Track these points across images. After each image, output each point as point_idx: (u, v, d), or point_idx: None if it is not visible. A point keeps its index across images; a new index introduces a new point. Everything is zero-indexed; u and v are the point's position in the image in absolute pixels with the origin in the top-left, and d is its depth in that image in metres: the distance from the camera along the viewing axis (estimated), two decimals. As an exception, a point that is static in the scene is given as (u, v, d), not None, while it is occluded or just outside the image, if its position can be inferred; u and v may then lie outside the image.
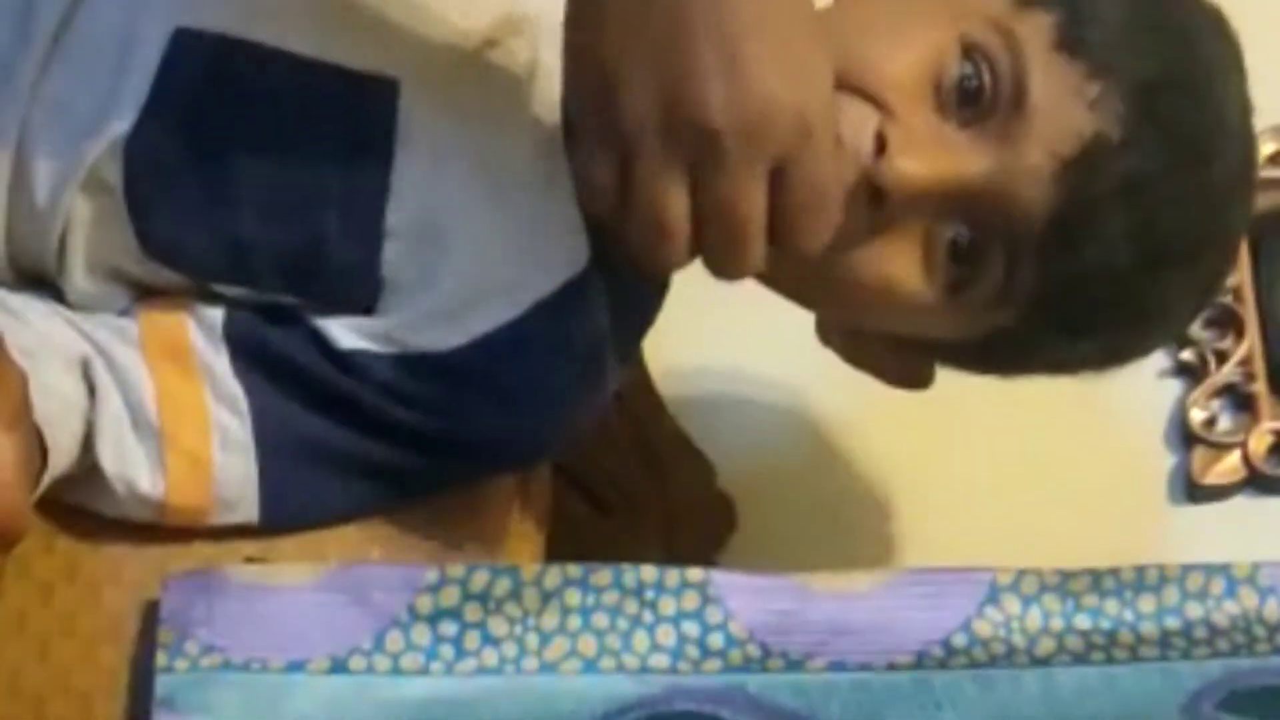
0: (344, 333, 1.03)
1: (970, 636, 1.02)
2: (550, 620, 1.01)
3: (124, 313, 1.04)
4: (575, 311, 1.05)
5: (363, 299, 1.03)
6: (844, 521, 1.45)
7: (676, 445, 1.42)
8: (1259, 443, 1.48)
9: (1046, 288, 1.01)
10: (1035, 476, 1.46)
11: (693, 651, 1.01)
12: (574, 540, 1.19)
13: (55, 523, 1.01)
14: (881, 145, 0.98)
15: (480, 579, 1.01)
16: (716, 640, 1.01)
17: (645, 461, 1.39)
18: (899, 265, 1.02)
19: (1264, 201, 1.40)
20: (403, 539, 1.07)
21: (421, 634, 1.00)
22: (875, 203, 0.99)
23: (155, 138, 1.00)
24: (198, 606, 0.99)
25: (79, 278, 1.03)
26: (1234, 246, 1.10)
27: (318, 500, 1.05)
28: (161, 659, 0.98)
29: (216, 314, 1.03)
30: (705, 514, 1.44)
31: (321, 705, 0.99)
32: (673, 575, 1.02)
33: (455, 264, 1.03)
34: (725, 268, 0.95)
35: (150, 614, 1.00)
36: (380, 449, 1.04)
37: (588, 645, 1.01)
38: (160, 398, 1.02)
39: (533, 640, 1.01)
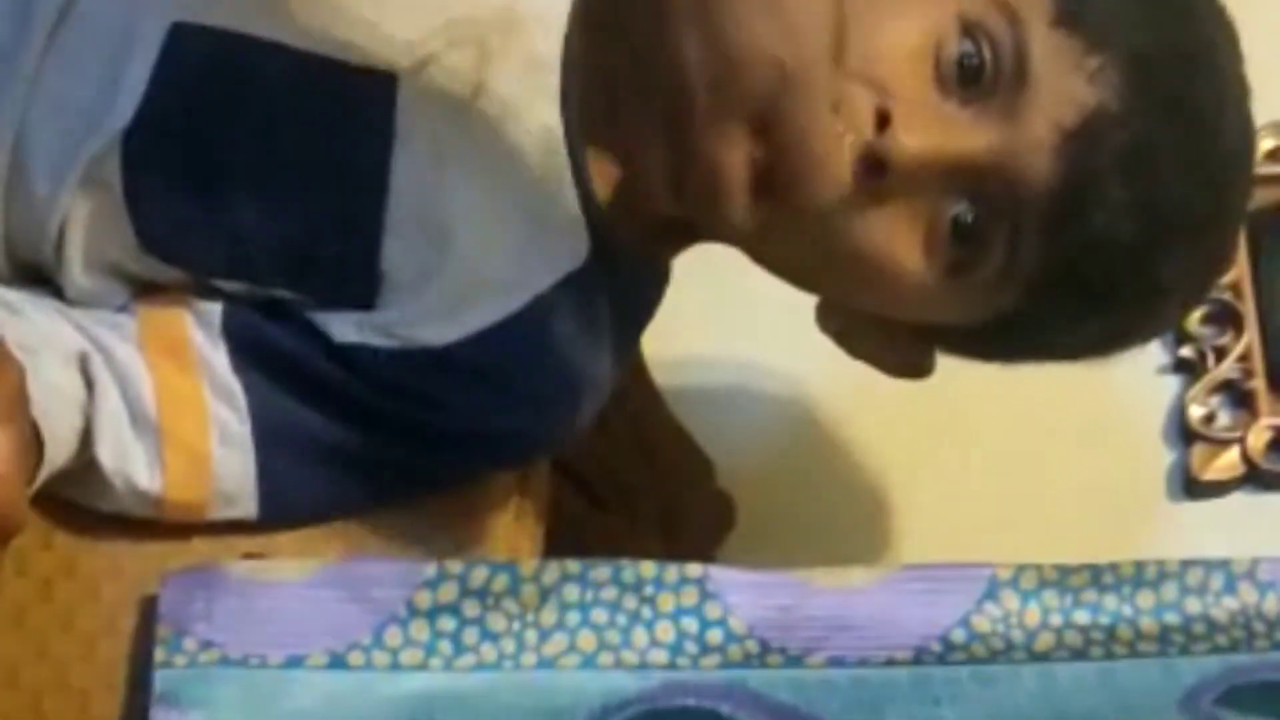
0: (342, 327, 1.03)
1: (969, 632, 1.02)
2: (549, 616, 1.01)
3: (122, 309, 1.04)
4: (575, 306, 1.06)
5: (361, 294, 1.03)
6: (843, 518, 1.45)
7: (675, 441, 1.42)
8: (1258, 439, 1.48)
9: (1050, 265, 1.01)
10: (1034, 472, 1.46)
11: (691, 647, 1.01)
12: (572, 536, 1.19)
13: (53, 519, 1.01)
14: (884, 121, 0.98)
15: (479, 575, 1.01)
16: (715, 636, 1.01)
17: (644, 457, 1.39)
18: (900, 244, 1.01)
19: (1262, 197, 1.40)
20: (401, 534, 1.07)
21: (420, 629, 1.00)
22: (877, 177, 0.98)
23: (153, 133, 1.00)
24: (196, 602, 0.99)
25: (77, 273, 1.03)
26: (1236, 227, 1.09)
27: (316, 495, 1.05)
28: (160, 654, 0.98)
29: (214, 309, 1.03)
30: (704, 510, 1.44)
31: (320, 700, 0.99)
32: (671, 571, 1.02)
33: (454, 259, 1.03)
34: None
35: (149, 610, 1.00)
36: (379, 444, 1.04)
37: (586, 641, 1.01)
38: (159, 393, 1.02)
39: (531, 636, 1.01)
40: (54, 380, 0.98)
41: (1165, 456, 1.49)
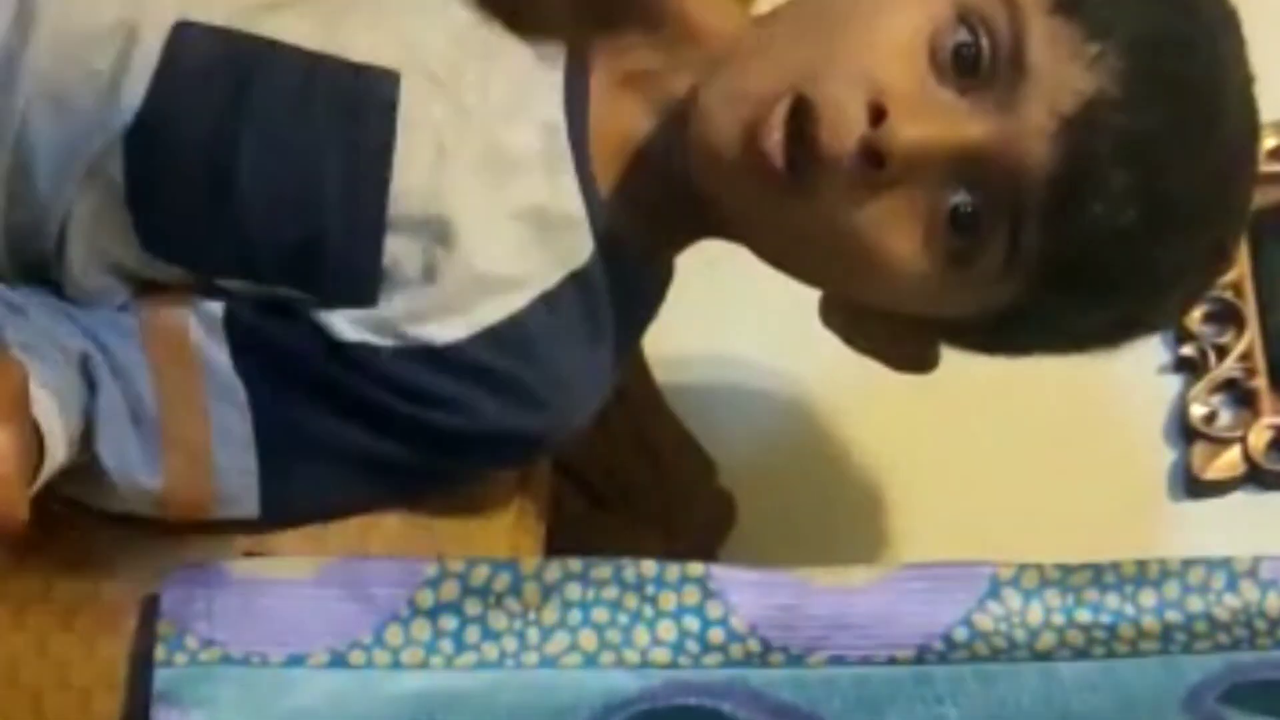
0: (345, 325, 1.03)
1: (971, 631, 1.02)
2: (550, 614, 1.01)
3: (123, 307, 1.04)
4: (578, 304, 1.06)
5: (364, 291, 1.03)
6: (845, 517, 1.45)
7: (677, 440, 1.42)
8: (1259, 438, 1.47)
9: (1053, 253, 1.00)
10: (1036, 471, 1.46)
11: (693, 646, 1.02)
12: (574, 535, 1.19)
13: (55, 517, 1.01)
14: (879, 115, 0.98)
15: (480, 573, 1.01)
16: (717, 635, 1.02)
17: (645, 457, 1.39)
18: (900, 234, 1.01)
19: (1264, 197, 1.40)
20: (402, 533, 1.07)
21: (421, 628, 1.00)
22: (876, 169, 0.98)
23: (156, 130, 1.00)
24: (197, 600, 0.99)
25: (78, 271, 1.03)
26: (1240, 215, 1.08)
27: (318, 494, 1.05)
28: (161, 653, 0.99)
29: (216, 308, 1.03)
30: (706, 509, 1.44)
31: (321, 699, 0.99)
32: (673, 570, 1.03)
33: (458, 256, 1.03)
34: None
35: (149, 608, 1.00)
36: (381, 442, 1.04)
37: (588, 639, 1.01)
38: (160, 392, 1.02)
39: (533, 634, 1.01)
40: (55, 379, 0.98)
41: (1166, 455, 1.49)
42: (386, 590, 1.00)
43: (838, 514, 1.45)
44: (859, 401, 1.44)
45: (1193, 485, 1.48)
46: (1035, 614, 1.03)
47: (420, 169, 1.02)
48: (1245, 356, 1.50)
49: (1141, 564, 1.05)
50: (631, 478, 1.39)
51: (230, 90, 1.01)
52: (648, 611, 1.02)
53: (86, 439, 1.00)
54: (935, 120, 0.99)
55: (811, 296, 1.11)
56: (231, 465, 1.03)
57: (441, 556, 1.01)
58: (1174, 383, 1.51)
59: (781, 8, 1.07)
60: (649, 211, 1.08)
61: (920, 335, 1.10)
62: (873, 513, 1.45)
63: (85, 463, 1.00)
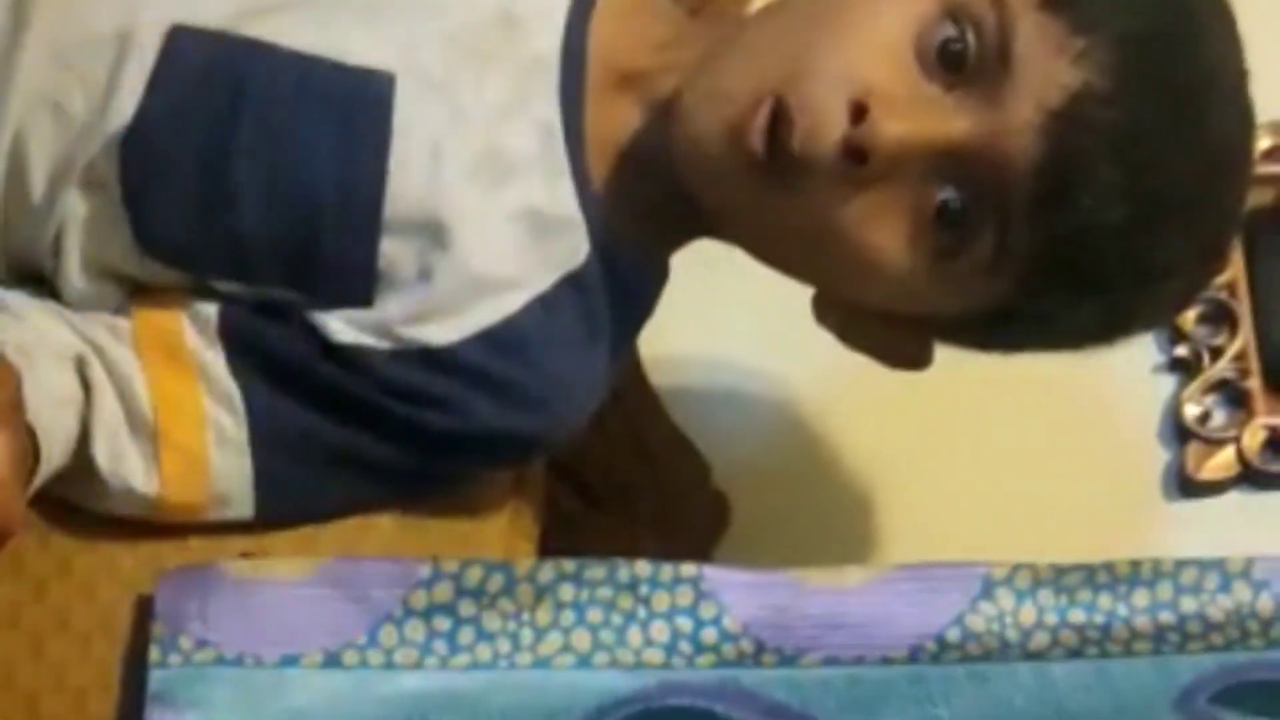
0: (341, 327, 1.03)
1: (964, 631, 1.03)
2: (544, 615, 1.01)
3: (119, 310, 1.04)
4: (573, 306, 1.06)
5: (359, 293, 1.03)
6: (838, 517, 1.45)
7: (671, 441, 1.42)
8: (1253, 438, 1.48)
9: (1041, 248, 1.00)
10: (1030, 471, 1.46)
11: (686, 646, 1.02)
12: (568, 535, 1.19)
13: (49, 519, 1.01)
14: (860, 112, 0.98)
15: (474, 574, 1.01)
16: (710, 635, 1.02)
17: (640, 457, 1.39)
18: (886, 230, 1.01)
19: (1258, 197, 1.40)
20: (396, 536, 1.07)
21: (415, 629, 1.00)
22: (860, 165, 0.98)
23: (152, 134, 1.00)
24: (192, 601, 0.99)
25: (74, 275, 1.03)
26: (1233, 211, 1.07)
27: (313, 496, 1.06)
28: (155, 654, 0.99)
29: (211, 310, 1.03)
30: (700, 510, 1.44)
31: (315, 700, 0.99)
32: (667, 570, 1.03)
33: (453, 258, 1.03)
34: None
35: (144, 609, 1.00)
36: (376, 444, 1.04)
37: (582, 640, 1.01)
38: (155, 395, 1.02)
39: (527, 635, 1.01)
40: (51, 383, 0.99)
41: (1160, 455, 1.49)
42: (381, 591, 1.00)
43: (831, 514, 1.45)
44: (853, 403, 1.44)
45: (1187, 485, 1.48)
46: (1028, 614, 1.03)
47: (416, 171, 1.02)
48: (1239, 357, 1.50)
49: (1135, 564, 1.05)
50: (626, 478, 1.39)
51: (225, 94, 1.01)
52: (641, 612, 1.02)
53: (82, 442, 1.00)
54: (918, 116, 0.99)
55: (805, 297, 1.11)
56: (227, 468, 1.03)
57: (435, 557, 1.02)
58: (1168, 383, 1.51)
59: (770, 5, 1.07)
60: (644, 212, 1.08)
61: (913, 332, 1.10)
62: (866, 513, 1.45)
63: (80, 466, 1.01)
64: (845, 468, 1.46)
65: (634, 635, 1.01)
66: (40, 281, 1.05)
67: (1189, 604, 1.04)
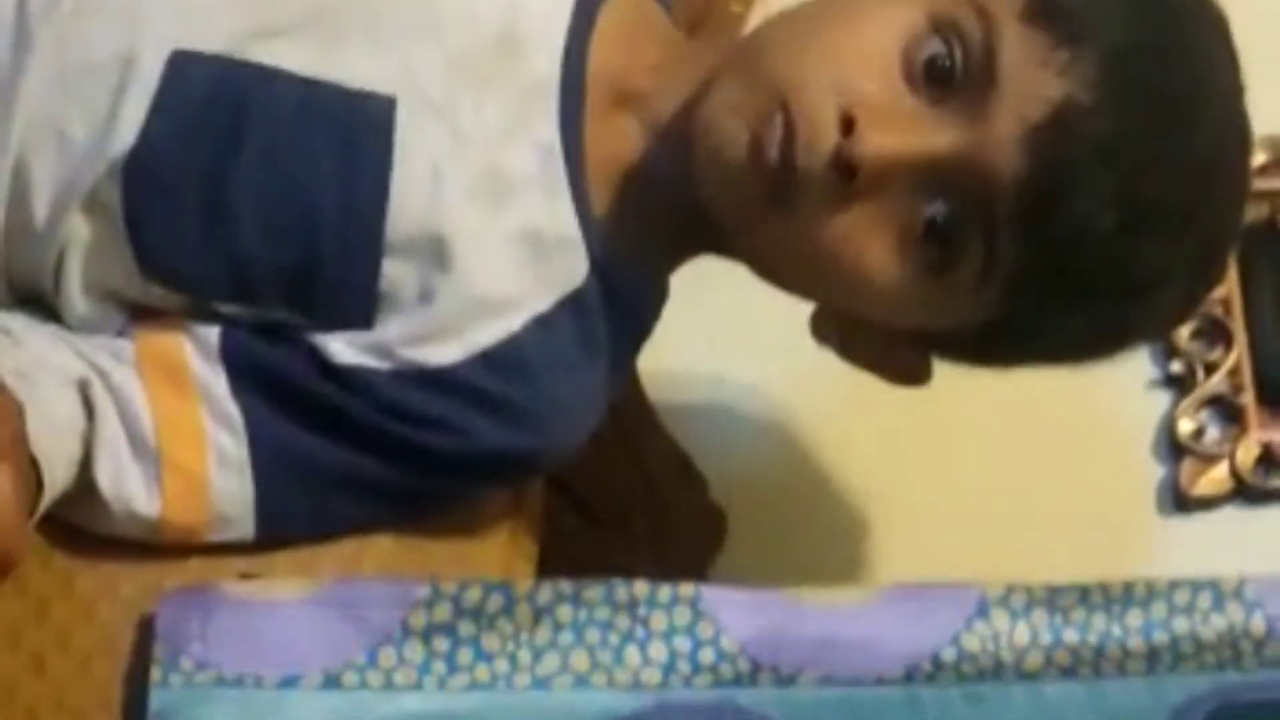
0: (342, 348, 1.03)
1: (959, 651, 1.03)
2: (542, 636, 1.01)
3: (120, 333, 1.04)
4: (572, 326, 1.06)
5: (361, 314, 1.04)
6: (834, 532, 1.45)
7: (669, 458, 1.42)
8: (1247, 454, 1.48)
9: (1029, 260, 1.00)
10: (1025, 487, 1.46)
11: (684, 666, 1.02)
12: (566, 551, 1.19)
13: (51, 539, 1.02)
14: (849, 125, 0.99)
15: (473, 595, 1.01)
16: (708, 655, 1.02)
17: (638, 473, 1.40)
18: (875, 244, 1.01)
19: (1252, 213, 1.41)
20: (395, 555, 1.07)
21: (414, 649, 1.01)
22: (848, 179, 0.99)
23: (154, 159, 1.01)
24: (192, 622, 0.99)
25: (75, 298, 1.03)
26: (1224, 223, 1.07)
27: (313, 516, 1.06)
28: (156, 674, 0.99)
29: (212, 333, 1.04)
30: (697, 526, 1.44)
31: (315, 720, 0.99)
32: (664, 590, 1.03)
33: (454, 279, 1.03)
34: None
35: (145, 629, 1.00)
36: (377, 465, 1.05)
37: (580, 660, 1.02)
38: (157, 418, 1.02)
39: (525, 655, 1.01)
40: (54, 408, 0.99)
41: (1155, 471, 1.50)
42: (380, 612, 1.01)
43: (827, 530, 1.45)
44: (849, 419, 1.44)
45: (1181, 501, 1.49)
46: (1022, 634, 1.03)
47: (417, 193, 1.03)
48: (1233, 372, 1.51)
49: (1128, 584, 1.05)
50: (624, 494, 1.39)
51: (227, 118, 1.01)
52: (639, 632, 1.02)
53: (84, 465, 1.01)
54: (903, 130, 0.99)
55: (803, 314, 1.12)
56: (228, 489, 1.03)
57: (434, 578, 1.02)
58: (1162, 398, 1.52)
59: (770, 20, 1.08)
60: (643, 231, 1.08)
61: (910, 347, 1.10)
62: (862, 527, 1.45)
63: (83, 488, 1.01)
64: (841, 484, 1.47)
65: (632, 655, 1.02)
66: (41, 304, 1.05)
67: (1182, 624, 1.04)
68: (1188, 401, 1.50)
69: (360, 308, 1.04)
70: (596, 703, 1.01)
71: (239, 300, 1.03)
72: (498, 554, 1.10)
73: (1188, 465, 1.49)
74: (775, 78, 1.01)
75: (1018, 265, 1.00)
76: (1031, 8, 0.99)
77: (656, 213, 1.08)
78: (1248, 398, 1.50)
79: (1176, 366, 1.51)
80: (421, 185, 1.03)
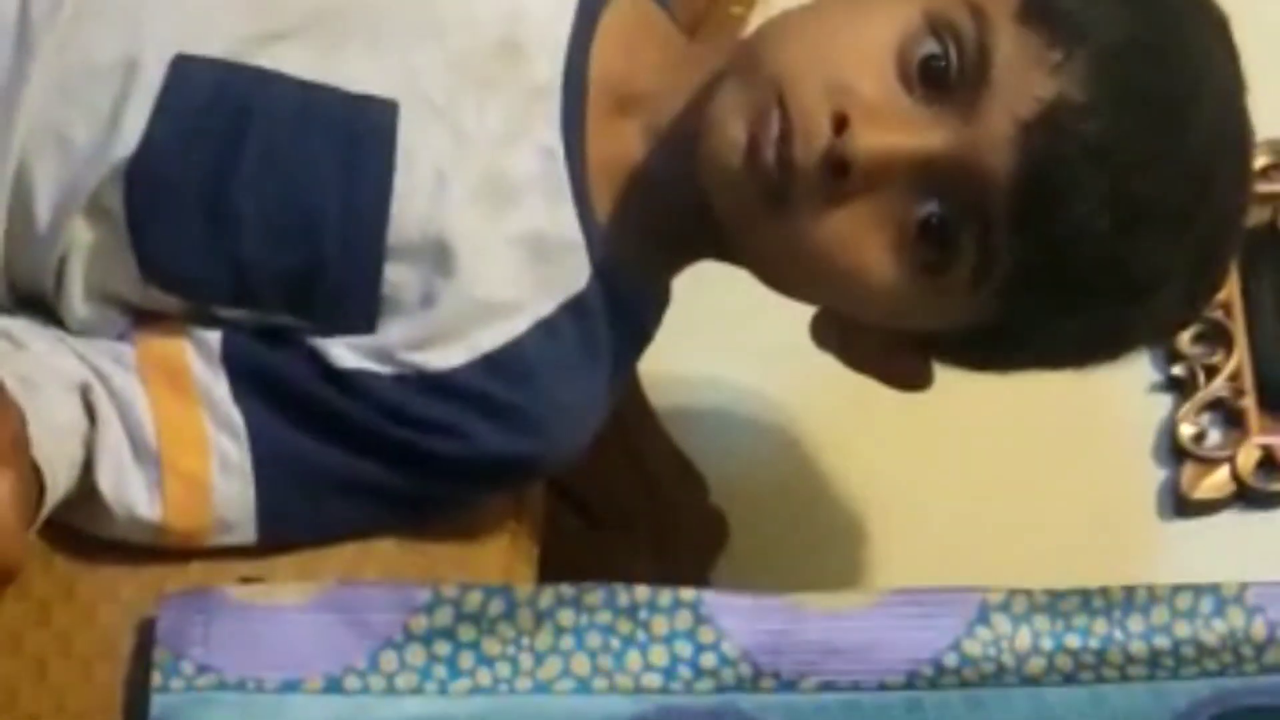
0: (344, 352, 1.03)
1: (961, 656, 1.03)
2: (544, 640, 1.01)
3: (122, 337, 1.05)
4: (575, 330, 1.06)
5: (363, 318, 1.04)
6: (835, 536, 1.45)
7: (670, 460, 1.42)
8: (1248, 458, 1.48)
9: (1023, 259, 1.00)
10: (1026, 491, 1.47)
11: (685, 671, 1.02)
12: (567, 554, 1.19)
13: (52, 543, 1.02)
14: (842, 124, 0.99)
15: (474, 599, 1.01)
16: (709, 660, 1.02)
17: (639, 476, 1.40)
18: (869, 244, 1.01)
19: (1254, 216, 1.40)
20: (397, 559, 1.07)
21: (416, 654, 1.01)
22: (841, 178, 0.99)
23: (157, 163, 1.00)
24: (193, 626, 1.00)
25: (77, 302, 1.03)
26: (1224, 225, 1.06)
27: (315, 521, 1.06)
28: (157, 678, 0.99)
29: (214, 337, 1.04)
30: (698, 529, 1.44)
31: (316, 725, 0.99)
32: (665, 595, 1.03)
33: (456, 283, 1.03)
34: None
35: (146, 633, 1.00)
36: (380, 470, 1.05)
37: (581, 665, 1.02)
38: (159, 422, 1.02)
39: (526, 660, 1.01)
40: (55, 413, 0.99)
41: (1156, 475, 1.50)
42: (381, 616, 1.01)
43: (828, 533, 1.46)
44: (850, 423, 1.44)
45: (1182, 505, 1.49)
46: (1024, 639, 1.03)
47: (419, 197, 1.03)
48: (1234, 376, 1.51)
49: (1129, 589, 1.05)
50: (625, 497, 1.40)
51: (230, 122, 1.01)
52: (640, 636, 1.02)
53: (86, 469, 1.01)
54: (896, 129, 0.99)
55: (804, 318, 1.12)
56: (230, 494, 1.03)
57: (436, 582, 1.02)
58: (1163, 402, 1.52)
59: (770, 20, 1.08)
60: (645, 235, 1.09)
61: (910, 351, 1.10)
62: (862, 531, 1.46)
63: (84, 492, 1.01)
64: (843, 488, 1.47)
65: (633, 660, 1.02)
66: (42, 307, 1.05)
67: (1183, 629, 1.04)
68: (1189, 405, 1.51)
69: (362, 311, 1.04)
70: (598, 707, 1.01)
71: (241, 304, 1.03)
72: (499, 558, 1.10)
73: (1189, 469, 1.49)
74: (772, 76, 1.01)
75: (1013, 265, 1.00)
76: (1026, 8, 0.99)
77: (658, 216, 1.08)
78: (1249, 401, 1.50)
79: (1178, 370, 1.51)
80: (424, 189, 1.03)
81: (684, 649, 1.02)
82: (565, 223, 1.06)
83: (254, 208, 1.01)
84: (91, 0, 1.02)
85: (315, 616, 1.01)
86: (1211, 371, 1.51)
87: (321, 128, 1.02)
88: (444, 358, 1.04)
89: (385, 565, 1.07)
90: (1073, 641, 1.04)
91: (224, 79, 1.01)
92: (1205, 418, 1.51)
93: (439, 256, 1.03)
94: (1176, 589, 1.05)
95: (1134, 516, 1.49)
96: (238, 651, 1.00)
